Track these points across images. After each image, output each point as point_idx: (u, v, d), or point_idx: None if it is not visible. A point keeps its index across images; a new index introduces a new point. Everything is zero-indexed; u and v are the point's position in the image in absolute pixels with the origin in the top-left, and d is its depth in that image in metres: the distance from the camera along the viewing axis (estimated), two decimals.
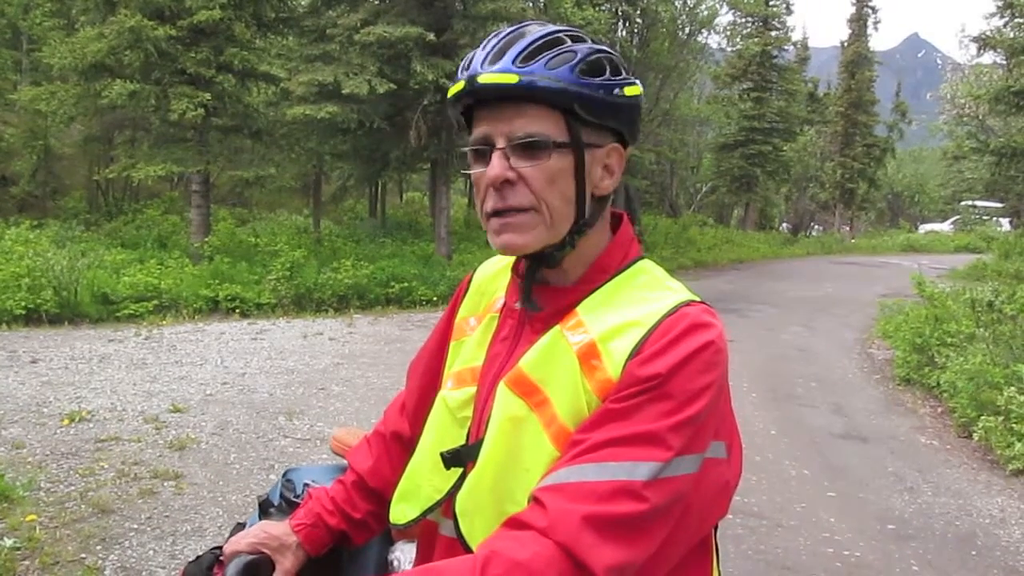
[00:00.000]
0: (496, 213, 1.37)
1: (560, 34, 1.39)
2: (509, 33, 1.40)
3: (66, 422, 7.59)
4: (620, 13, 26.34)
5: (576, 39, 1.39)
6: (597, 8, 23.62)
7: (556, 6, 22.36)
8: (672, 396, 1.25)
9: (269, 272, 15.57)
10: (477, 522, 1.35)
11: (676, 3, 29.62)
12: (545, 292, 1.45)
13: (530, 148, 1.35)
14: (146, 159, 17.05)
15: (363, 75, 16.56)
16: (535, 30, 1.40)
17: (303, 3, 20.28)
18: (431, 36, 16.72)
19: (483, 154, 1.38)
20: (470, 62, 1.39)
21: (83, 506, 5.73)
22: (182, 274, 15.28)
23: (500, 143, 1.35)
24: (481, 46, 1.40)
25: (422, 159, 20.60)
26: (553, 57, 1.35)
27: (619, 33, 26.75)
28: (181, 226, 19.95)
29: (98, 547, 5.12)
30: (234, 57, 16.79)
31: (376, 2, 18.42)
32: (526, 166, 1.35)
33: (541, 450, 1.31)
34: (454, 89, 1.39)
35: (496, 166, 1.34)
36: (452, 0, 17.88)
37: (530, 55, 1.35)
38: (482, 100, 1.38)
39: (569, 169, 1.37)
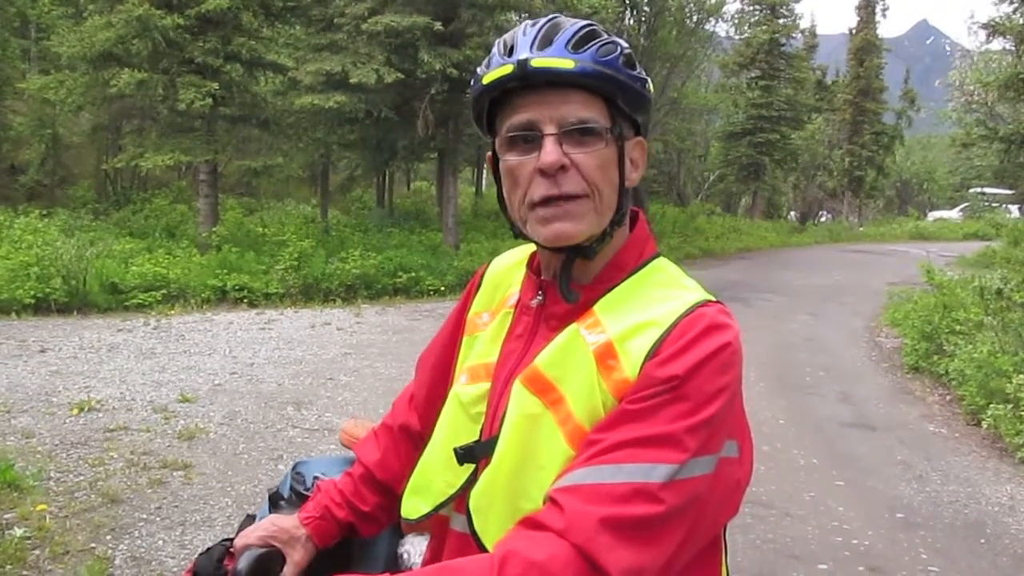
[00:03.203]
0: (546, 201, 1.34)
1: (595, 27, 1.39)
2: (546, 22, 1.39)
3: (75, 412, 7.62)
4: (628, 2, 26.28)
5: (607, 33, 1.40)
6: None
7: None
8: (689, 398, 1.25)
9: (277, 262, 15.58)
10: (491, 519, 1.34)
11: None
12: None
13: (583, 134, 1.34)
14: (154, 148, 17.08)
15: (370, 64, 16.54)
16: (570, 21, 1.40)
17: None
18: (438, 25, 16.66)
19: (527, 140, 1.36)
20: (511, 48, 1.37)
21: (93, 496, 5.75)
22: (190, 263, 15.32)
23: (550, 128, 1.33)
24: (519, 32, 1.39)
25: (429, 148, 20.60)
26: (602, 46, 1.35)
27: (626, 21, 26.70)
28: (189, 215, 19.98)
29: (108, 537, 5.14)
30: (242, 46, 16.79)
31: None
32: (578, 152, 1.34)
33: (556, 448, 1.30)
34: (496, 74, 1.36)
35: (552, 152, 1.32)
36: None
37: (579, 42, 1.35)
38: (526, 87, 1.36)
39: (614, 158, 1.38)
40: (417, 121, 17.76)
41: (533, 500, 1.29)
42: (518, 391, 1.36)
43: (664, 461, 1.22)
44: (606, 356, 1.31)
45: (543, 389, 1.34)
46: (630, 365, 1.29)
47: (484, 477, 1.37)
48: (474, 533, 1.36)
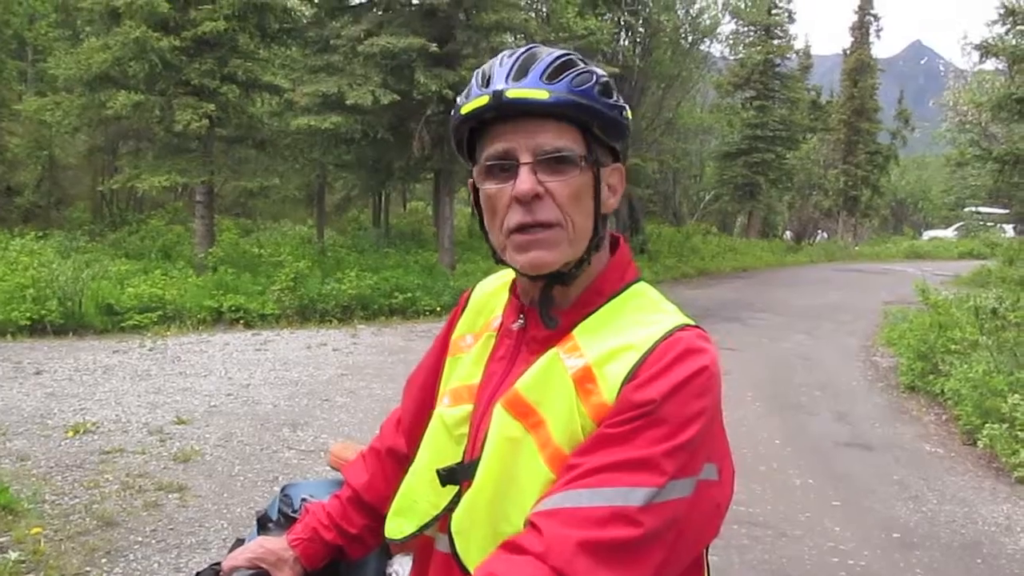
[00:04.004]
0: (521, 228, 1.36)
1: (572, 56, 1.41)
2: (523, 52, 1.41)
3: (71, 434, 7.61)
4: (623, 23, 26.36)
5: (584, 61, 1.41)
6: (600, 18, 23.61)
7: (559, 16, 22.38)
8: (666, 421, 1.26)
9: (273, 282, 15.57)
10: (472, 541, 1.36)
11: (679, 12, 29.65)
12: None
13: (558, 163, 1.36)
14: (150, 170, 17.09)
15: (367, 86, 16.59)
16: (547, 50, 1.42)
17: (307, 14, 20.34)
18: (434, 47, 16.73)
19: (504, 169, 1.38)
20: (488, 79, 1.39)
21: (88, 519, 5.73)
22: (186, 284, 15.29)
23: (526, 158, 1.35)
24: (496, 63, 1.41)
25: (425, 169, 20.63)
26: (577, 75, 1.37)
27: (622, 42, 26.77)
28: (185, 236, 20.00)
29: (103, 560, 5.12)
30: (238, 68, 16.85)
31: (379, 13, 18.43)
32: (553, 181, 1.35)
33: (536, 472, 1.31)
34: (473, 105, 1.38)
35: (526, 180, 1.34)
36: (455, 11, 17.90)
37: (554, 73, 1.37)
38: (503, 116, 1.38)
39: (589, 185, 1.39)
40: (413, 142, 17.82)
41: (513, 524, 1.30)
42: (499, 414, 1.38)
43: (642, 484, 1.23)
44: (584, 380, 1.33)
45: (524, 413, 1.35)
46: (608, 389, 1.30)
47: (466, 500, 1.38)
48: (456, 555, 1.37)
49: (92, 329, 13.07)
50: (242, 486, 6.58)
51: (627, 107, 1.45)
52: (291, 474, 6.82)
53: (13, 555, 4.99)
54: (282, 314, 15.05)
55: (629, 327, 1.38)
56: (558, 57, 1.39)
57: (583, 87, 1.37)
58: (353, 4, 19.59)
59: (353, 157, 20.18)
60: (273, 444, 7.68)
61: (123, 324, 13.36)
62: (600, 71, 1.41)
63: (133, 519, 5.78)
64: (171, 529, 5.65)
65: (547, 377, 1.36)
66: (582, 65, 1.40)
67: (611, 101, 1.40)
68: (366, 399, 9.52)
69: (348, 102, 16.43)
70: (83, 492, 6.24)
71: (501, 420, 1.37)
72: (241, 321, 14.53)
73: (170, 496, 6.25)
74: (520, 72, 1.37)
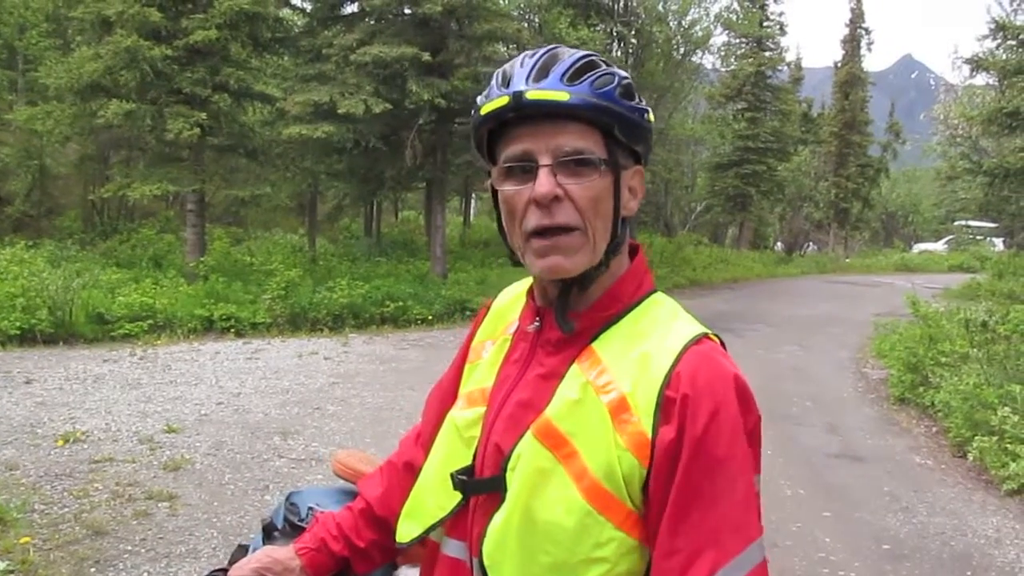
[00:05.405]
0: (540, 233, 1.35)
1: (593, 58, 1.40)
2: (545, 53, 1.40)
3: (60, 443, 7.58)
4: (615, 33, 26.42)
5: (606, 63, 1.40)
6: (592, 28, 23.64)
7: (551, 27, 22.42)
8: (724, 460, 1.28)
9: (264, 291, 15.54)
10: (506, 571, 1.36)
11: (671, 24, 29.71)
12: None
13: (578, 165, 1.35)
14: (141, 178, 17.08)
15: (359, 95, 16.59)
16: (569, 51, 1.41)
17: (299, 23, 20.36)
18: (426, 56, 16.75)
19: (524, 170, 1.37)
20: (508, 80, 1.38)
21: (77, 528, 5.71)
22: (177, 293, 15.26)
23: (545, 159, 1.35)
24: (516, 64, 1.40)
25: (417, 178, 20.64)
26: (598, 78, 1.36)
27: (614, 53, 26.81)
28: (176, 245, 19.97)
29: (92, 569, 5.10)
30: (230, 77, 16.84)
31: (372, 23, 18.47)
32: (572, 183, 1.34)
33: (572, 505, 1.31)
34: (493, 105, 1.37)
35: (545, 183, 1.33)
36: (447, 21, 17.96)
37: (575, 75, 1.35)
38: (523, 118, 1.36)
39: (609, 188, 1.38)
40: (405, 151, 17.82)
41: (551, 554, 1.31)
42: (530, 443, 1.37)
43: (747, 544, 1.28)
44: (620, 411, 1.32)
45: (556, 443, 1.34)
46: (644, 417, 1.31)
47: (496, 531, 1.37)
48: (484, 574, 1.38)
49: (82, 338, 13.02)
50: (232, 494, 6.57)
51: (649, 110, 1.44)
52: (282, 483, 6.80)
53: (1, 565, 4.96)
54: (273, 323, 15.02)
55: (652, 344, 1.38)
56: (580, 58, 1.38)
57: (604, 89, 1.36)
58: (345, 14, 19.65)
59: (345, 166, 20.17)
60: (264, 453, 7.66)
61: (113, 333, 13.32)
62: (622, 73, 1.40)
63: (123, 528, 5.76)
64: (161, 538, 5.63)
65: (580, 407, 1.35)
66: (604, 67, 1.39)
67: (633, 103, 1.40)
68: (357, 408, 9.50)
69: (340, 111, 16.42)
70: (72, 501, 6.21)
71: (531, 449, 1.36)
72: (232, 330, 14.50)
73: (160, 505, 6.23)
74: (541, 73, 1.36)
